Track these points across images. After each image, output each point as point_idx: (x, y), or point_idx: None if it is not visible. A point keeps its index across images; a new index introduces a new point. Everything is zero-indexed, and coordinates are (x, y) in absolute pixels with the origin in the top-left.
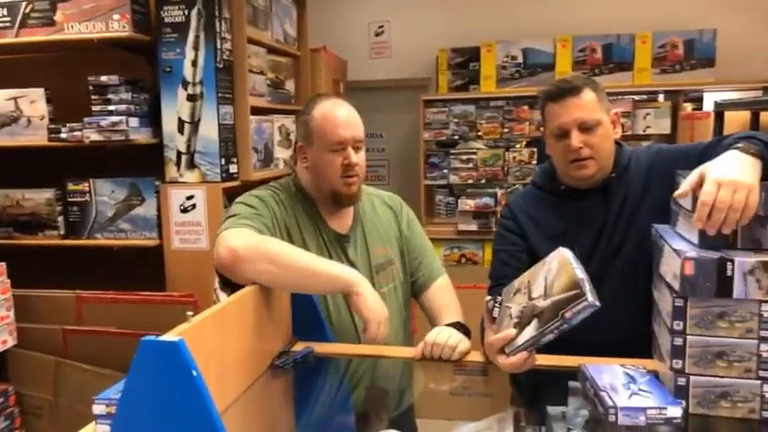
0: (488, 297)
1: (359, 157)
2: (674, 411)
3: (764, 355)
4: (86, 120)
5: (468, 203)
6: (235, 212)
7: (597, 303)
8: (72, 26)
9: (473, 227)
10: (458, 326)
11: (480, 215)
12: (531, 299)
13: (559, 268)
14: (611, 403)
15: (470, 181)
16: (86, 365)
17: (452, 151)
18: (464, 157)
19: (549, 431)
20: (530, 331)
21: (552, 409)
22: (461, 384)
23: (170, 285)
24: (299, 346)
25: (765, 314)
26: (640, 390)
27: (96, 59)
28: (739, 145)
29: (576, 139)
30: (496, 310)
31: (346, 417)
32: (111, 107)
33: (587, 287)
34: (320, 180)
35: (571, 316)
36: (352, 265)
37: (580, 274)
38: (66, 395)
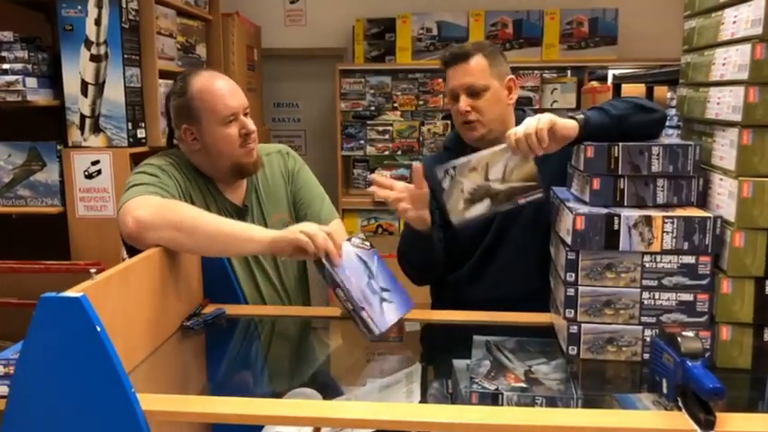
0: (439, 166)
1: (252, 124)
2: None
3: (646, 302)
4: None
5: (384, 175)
6: (138, 182)
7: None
8: None
9: None
10: None
11: None
12: (487, 179)
13: (522, 158)
14: None
15: (386, 152)
16: None
17: (369, 122)
18: (380, 129)
19: (455, 382)
20: (481, 208)
21: (457, 362)
22: (377, 350)
23: (75, 255)
24: (210, 308)
25: (647, 265)
26: None
27: None
28: (579, 116)
29: (463, 102)
30: (447, 180)
31: (258, 377)
32: (6, 66)
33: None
34: (218, 158)
35: (523, 203)
36: None
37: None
38: None
